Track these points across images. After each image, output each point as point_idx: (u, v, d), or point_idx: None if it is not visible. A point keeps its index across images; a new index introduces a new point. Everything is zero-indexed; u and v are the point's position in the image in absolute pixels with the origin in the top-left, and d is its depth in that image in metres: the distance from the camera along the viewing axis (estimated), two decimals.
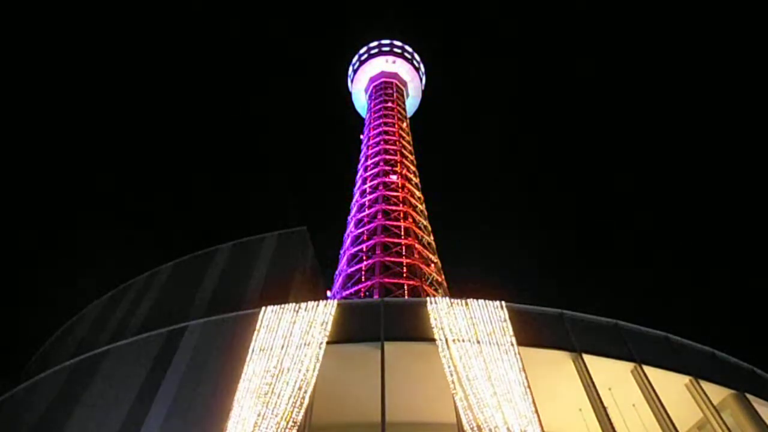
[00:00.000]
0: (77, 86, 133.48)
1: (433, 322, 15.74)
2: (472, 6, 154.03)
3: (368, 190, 43.31)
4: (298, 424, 13.41)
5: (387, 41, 61.30)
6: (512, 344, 15.30)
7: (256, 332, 15.68)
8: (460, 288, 37.35)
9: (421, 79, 61.98)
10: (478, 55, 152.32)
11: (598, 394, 15.13)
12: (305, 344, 15.08)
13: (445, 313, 15.96)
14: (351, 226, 40.57)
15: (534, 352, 15.66)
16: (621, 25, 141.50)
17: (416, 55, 61.96)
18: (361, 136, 53.66)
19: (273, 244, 23.27)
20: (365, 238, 37.92)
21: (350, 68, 62.44)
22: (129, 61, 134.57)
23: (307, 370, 14.43)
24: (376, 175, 44.48)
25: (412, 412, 16.31)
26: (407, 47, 61.44)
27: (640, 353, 16.82)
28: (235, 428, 13.25)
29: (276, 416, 13.44)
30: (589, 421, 15.61)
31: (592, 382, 15.35)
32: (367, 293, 32.97)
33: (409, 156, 48.85)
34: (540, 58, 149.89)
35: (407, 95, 60.74)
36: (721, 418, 15.75)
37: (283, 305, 16.45)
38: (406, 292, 32.84)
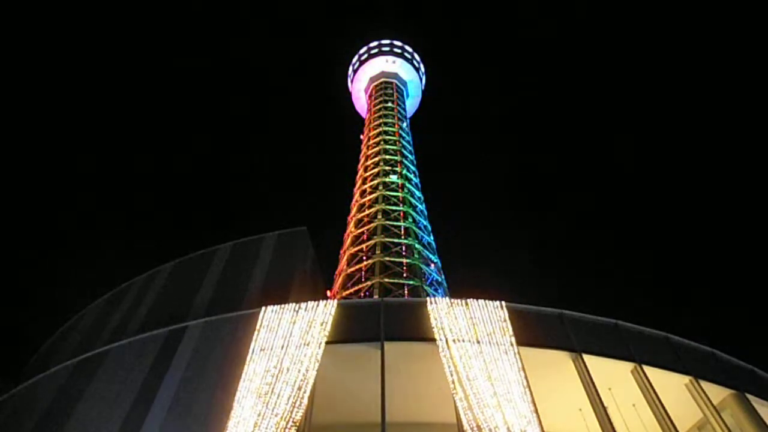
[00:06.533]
0: (77, 87, 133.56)
1: (433, 322, 15.75)
2: (472, 6, 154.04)
3: (368, 190, 43.33)
4: (298, 423, 13.42)
5: (387, 41, 61.34)
6: (512, 344, 15.31)
7: (256, 332, 15.70)
8: (460, 288, 37.39)
9: (421, 79, 62.04)
10: (479, 55, 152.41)
11: (598, 394, 15.14)
12: (305, 344, 15.09)
13: (445, 313, 15.96)
14: (351, 226, 40.58)
15: (534, 352, 15.67)
16: (622, 25, 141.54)
17: (416, 55, 62.02)
18: (361, 136, 53.72)
19: (273, 244, 23.30)
20: (365, 238, 37.94)
21: (350, 68, 62.51)
22: (129, 62, 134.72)
23: (307, 370, 14.44)
24: (376, 175, 44.48)
25: (412, 412, 16.32)
26: (407, 47, 61.49)
27: (640, 353, 16.83)
28: (236, 428, 13.26)
29: (276, 416, 13.45)
30: (589, 421, 15.62)
31: (592, 382, 15.35)
32: (367, 293, 32.98)
33: (409, 156, 48.89)
34: (541, 57, 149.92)
35: (407, 95, 60.80)
36: (721, 418, 15.75)
37: (283, 305, 16.46)
38: (406, 292, 32.87)
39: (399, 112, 54.93)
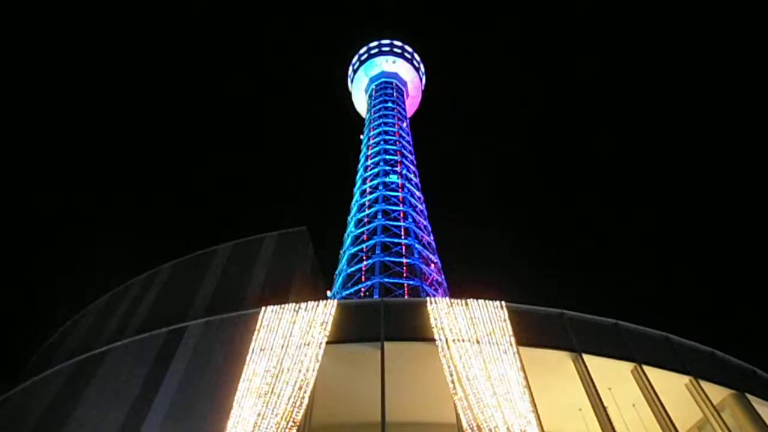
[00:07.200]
0: (77, 85, 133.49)
1: (433, 322, 15.73)
2: (472, 6, 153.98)
3: (368, 190, 43.37)
4: (298, 423, 13.41)
5: (387, 41, 61.39)
6: (512, 344, 15.30)
7: (256, 332, 15.68)
8: (460, 288, 37.40)
9: (420, 79, 62.06)
10: (478, 55, 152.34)
11: (598, 394, 15.13)
12: (305, 344, 15.08)
13: (445, 313, 15.95)
14: (351, 226, 40.63)
15: (534, 352, 15.65)
16: (621, 25, 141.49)
17: (416, 55, 62.06)
18: (361, 136, 53.76)
19: (273, 244, 23.25)
20: (365, 238, 37.98)
21: (350, 68, 62.53)
22: (128, 61, 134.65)
23: (307, 370, 14.43)
24: (376, 175, 44.53)
25: (412, 412, 16.31)
26: (407, 47, 61.53)
27: (640, 353, 16.81)
28: (235, 428, 13.25)
29: (276, 416, 13.44)
30: (589, 421, 15.61)
31: (592, 382, 15.34)
32: (367, 293, 33.00)
33: (409, 156, 48.91)
34: (540, 57, 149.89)
35: (407, 95, 60.80)
36: (721, 418, 15.74)
37: (283, 305, 16.45)
38: (406, 292, 32.88)
39: (399, 112, 54.97)
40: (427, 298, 16.93)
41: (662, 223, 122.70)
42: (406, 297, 31.67)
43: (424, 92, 63.04)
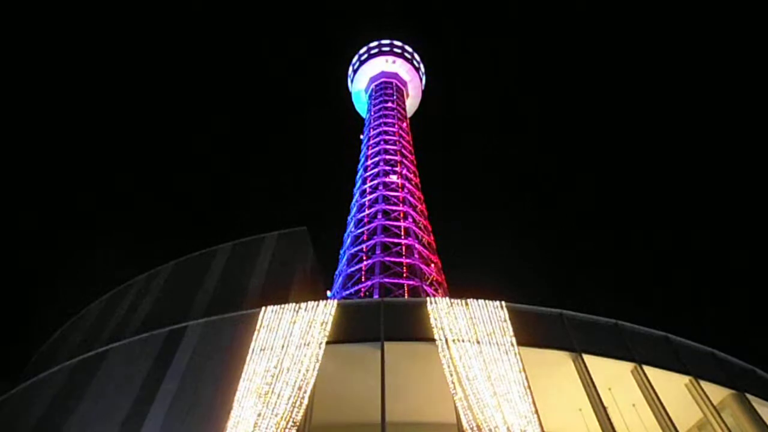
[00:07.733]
0: (77, 85, 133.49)
1: (433, 322, 15.73)
2: (472, 6, 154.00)
3: (368, 190, 43.37)
4: (298, 424, 13.42)
5: (387, 41, 61.37)
6: (512, 344, 15.30)
7: (256, 332, 15.69)
8: (460, 288, 37.38)
9: (421, 79, 62.03)
10: (479, 55, 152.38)
11: (598, 394, 15.13)
12: (305, 344, 15.09)
13: (445, 313, 15.95)
14: (351, 226, 40.64)
15: (534, 352, 15.65)
16: (621, 25, 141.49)
17: (416, 55, 62.03)
18: (361, 136, 53.76)
19: (273, 244, 23.26)
20: (365, 238, 37.98)
21: (350, 68, 62.52)
22: (128, 61, 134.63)
23: (307, 370, 14.43)
24: (376, 175, 44.54)
25: (412, 412, 16.32)
26: (407, 47, 61.51)
27: (640, 353, 16.82)
28: (235, 428, 13.26)
29: (276, 416, 13.44)
30: (589, 421, 15.61)
31: (592, 382, 15.35)
32: (367, 293, 33.00)
33: (409, 156, 48.92)
34: (540, 57, 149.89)
35: (407, 95, 60.79)
36: (721, 418, 15.75)
37: (283, 305, 16.45)
38: (406, 292, 32.88)
39: (399, 112, 54.96)
40: (427, 298, 16.94)
41: (662, 223, 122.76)
42: (406, 297, 31.66)
43: (424, 92, 63.02)
